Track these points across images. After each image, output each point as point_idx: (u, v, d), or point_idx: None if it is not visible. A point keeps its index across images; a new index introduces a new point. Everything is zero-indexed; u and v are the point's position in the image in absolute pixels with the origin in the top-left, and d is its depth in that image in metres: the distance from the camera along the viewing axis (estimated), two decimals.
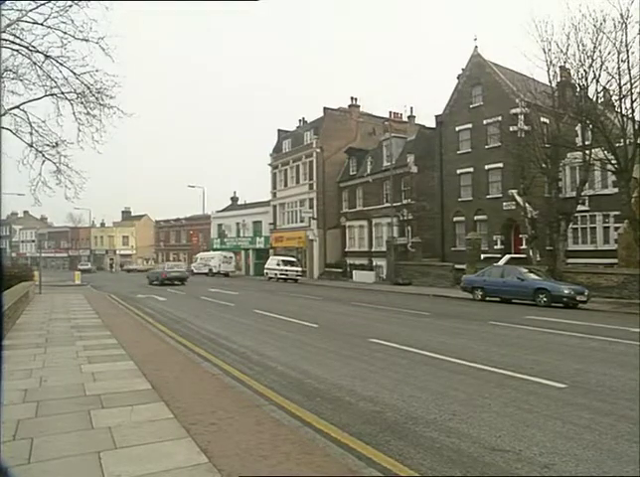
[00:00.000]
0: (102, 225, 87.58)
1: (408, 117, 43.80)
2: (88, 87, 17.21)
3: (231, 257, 51.62)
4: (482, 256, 28.56)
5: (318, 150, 44.04)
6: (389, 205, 35.95)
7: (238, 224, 55.81)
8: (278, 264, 40.94)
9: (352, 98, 47.44)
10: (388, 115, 43.48)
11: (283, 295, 25.72)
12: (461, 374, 7.68)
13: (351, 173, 42.87)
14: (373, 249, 38.89)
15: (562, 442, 4.77)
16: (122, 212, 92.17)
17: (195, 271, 51.89)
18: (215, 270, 49.73)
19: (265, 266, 43.09)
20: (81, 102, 17.49)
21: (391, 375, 7.68)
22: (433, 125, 35.67)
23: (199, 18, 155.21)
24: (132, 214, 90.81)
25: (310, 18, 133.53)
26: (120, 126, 68.89)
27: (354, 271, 38.72)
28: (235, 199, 64.37)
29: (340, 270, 40.68)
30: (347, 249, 42.03)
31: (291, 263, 41.04)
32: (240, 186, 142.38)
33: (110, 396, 5.90)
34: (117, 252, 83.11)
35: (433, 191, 34.40)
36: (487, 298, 21.44)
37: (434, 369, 8.05)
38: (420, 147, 36.39)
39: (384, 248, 36.13)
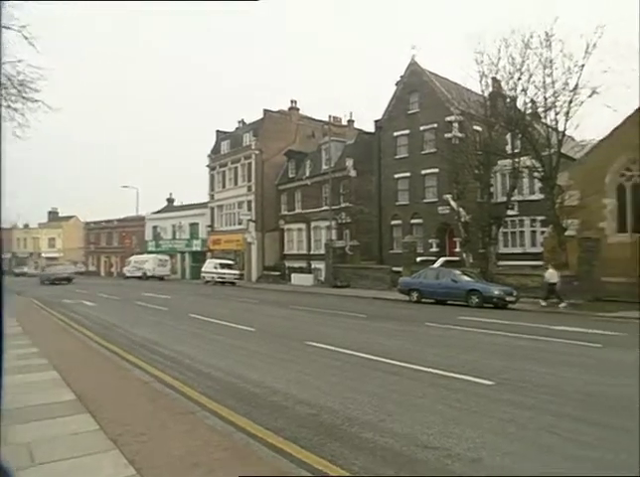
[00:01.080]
0: (26, 226, 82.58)
1: (348, 121, 44.38)
2: (9, 79, 16.10)
3: (166, 260, 50.07)
4: (418, 259, 29.25)
5: (257, 152, 43.69)
6: (327, 208, 36.15)
7: (174, 226, 54.30)
8: (216, 267, 40.16)
9: (292, 101, 47.46)
10: (327, 119, 43.81)
11: (220, 299, 25.22)
12: (396, 374, 7.76)
13: (290, 176, 42.81)
14: (311, 252, 38.96)
15: (490, 437, 4.91)
16: (49, 212, 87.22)
17: (127, 275, 49.90)
18: (149, 274, 48.01)
19: (202, 270, 42.17)
20: (0, 94, 16.32)
21: (327, 377, 7.64)
22: (372, 130, 36.28)
23: (115, 10, 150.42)
24: (60, 215, 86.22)
25: (254, 21, 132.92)
26: (46, 122, 65.27)
27: (292, 274, 38.61)
28: (171, 200, 62.60)
29: (278, 273, 40.46)
30: (285, 252, 41.89)
31: (229, 266, 40.39)
32: (177, 187, 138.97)
33: (30, 409, 5.48)
34: (42, 255, 78.57)
35: (372, 195, 34.95)
36: (423, 300, 21.94)
37: (370, 370, 8.09)
38: (359, 151, 36.87)
39: (322, 251, 36.28)
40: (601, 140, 24.45)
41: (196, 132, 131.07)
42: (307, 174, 40.66)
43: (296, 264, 39.66)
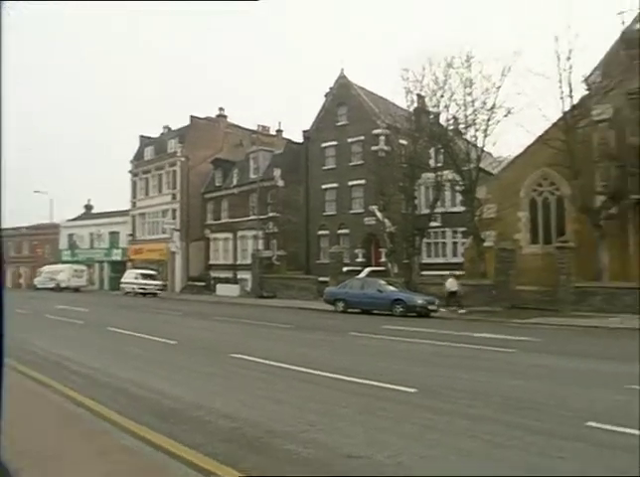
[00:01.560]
0: None
1: (277, 131, 44.35)
2: None
3: (82, 271, 47.25)
4: (345, 269, 29.56)
5: (183, 159, 42.61)
6: (255, 217, 35.84)
7: (92, 234, 51.54)
8: (137, 278, 38.44)
9: (220, 108, 46.77)
10: (256, 128, 43.57)
11: (140, 311, 24.13)
12: (321, 385, 7.66)
13: (217, 184, 42.05)
14: (238, 262, 38.38)
15: (411, 443, 4.92)
16: None
17: (38, 286, 46.64)
18: (63, 285, 45.03)
19: (122, 280, 40.24)
20: None
21: (252, 390, 7.41)
22: (301, 140, 36.46)
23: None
24: None
25: (175, 23, 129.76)
26: None
27: (218, 285, 37.77)
28: (89, 207, 59.20)
29: (203, 284, 39.45)
30: (211, 262, 40.99)
31: (151, 277, 38.78)
32: (96, 193, 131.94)
33: None
34: None
35: (299, 205, 35.03)
36: (349, 310, 22.08)
37: (295, 381, 7.94)
38: (287, 161, 36.91)
39: (249, 261, 35.81)
40: (516, 157, 26.13)
41: (117, 136, 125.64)
42: (234, 183, 40.14)
43: (222, 275, 38.86)
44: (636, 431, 4.90)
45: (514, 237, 24.82)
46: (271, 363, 9.42)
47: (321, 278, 30.32)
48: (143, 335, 13.87)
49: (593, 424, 5.27)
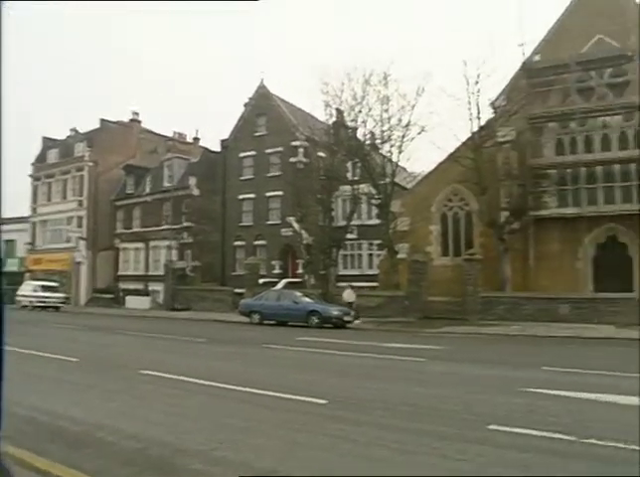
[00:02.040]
0: None
1: (194, 139, 43.37)
2: None
3: None
4: (261, 281, 29.34)
5: (91, 164, 40.43)
6: (168, 227, 34.69)
7: None
8: (35, 290, 35.54)
9: (133, 113, 44.94)
10: (172, 134, 42.33)
11: (39, 326, 22.34)
12: (234, 399, 7.45)
13: (128, 191, 40.29)
14: (149, 273, 36.87)
15: (322, 454, 4.90)
16: None
17: None
18: None
19: (18, 293, 37.12)
20: None
21: (162, 407, 7.03)
22: (219, 149, 35.90)
23: None
24: None
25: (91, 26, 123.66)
26: None
27: (127, 297, 35.98)
28: None
29: (111, 296, 37.45)
30: (120, 273, 39.08)
31: (52, 289, 36.02)
32: None
33: None
34: None
35: (215, 215, 34.37)
36: (264, 322, 21.89)
37: (208, 397, 7.66)
38: (204, 170, 36.20)
39: (161, 272, 34.48)
40: (429, 173, 27.43)
41: (17, 136, 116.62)
42: (147, 191, 38.69)
43: (132, 286, 37.11)
44: (532, 431, 5.28)
45: (426, 249, 25.91)
46: (183, 379, 9.02)
47: (237, 290, 29.86)
48: (41, 353, 12.80)
49: (494, 427, 5.54)
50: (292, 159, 31.28)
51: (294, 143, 31.50)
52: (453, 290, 22.77)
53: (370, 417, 6.28)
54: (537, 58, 24.35)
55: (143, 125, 45.18)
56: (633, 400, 6.69)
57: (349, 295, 22.43)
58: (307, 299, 21.93)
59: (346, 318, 20.53)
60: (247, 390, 7.97)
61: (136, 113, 44.88)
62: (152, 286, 35.89)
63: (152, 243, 36.81)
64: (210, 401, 7.37)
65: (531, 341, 16.18)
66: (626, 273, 22.07)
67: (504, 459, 4.64)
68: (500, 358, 12.56)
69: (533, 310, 20.74)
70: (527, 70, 24.03)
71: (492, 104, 24.26)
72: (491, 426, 5.59)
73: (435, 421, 6.02)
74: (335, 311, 20.70)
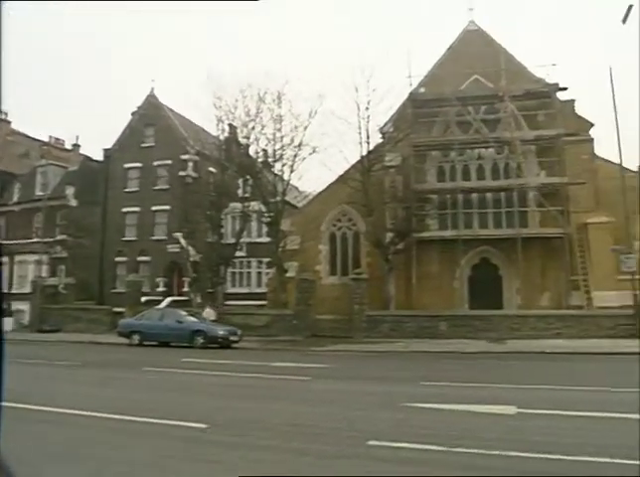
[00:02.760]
0: None
1: (73, 145, 40.18)
2: None
3: None
4: (144, 299, 27.58)
5: None
6: (39, 240, 31.56)
7: None
8: None
9: (2, 112, 40.62)
10: (47, 139, 38.92)
11: None
12: (108, 429, 6.63)
13: None
14: (13, 291, 33.03)
15: None
16: None
17: None
18: None
19: None
20: None
21: (19, 442, 5.96)
22: (101, 158, 33.64)
23: None
24: None
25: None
26: None
27: None
28: None
29: None
30: None
31: None
32: None
33: None
34: None
35: (95, 228, 31.98)
36: (145, 343, 20.46)
37: (77, 428, 6.70)
38: (83, 179, 33.64)
39: (28, 290, 31.08)
40: (319, 193, 27.80)
41: None
42: (15, 199, 35.03)
43: None
44: (408, 444, 5.35)
45: (315, 268, 26.11)
46: (50, 409, 7.86)
47: (117, 309, 27.71)
48: None
49: (373, 443, 5.53)
50: (181, 173, 30.16)
51: (184, 156, 30.45)
52: (341, 309, 23.08)
53: (249, 440, 5.98)
54: (422, 90, 26.00)
55: (13, 126, 40.92)
56: (508, 410, 7.03)
57: (209, 313, 22.12)
58: (192, 318, 20.90)
59: (232, 338, 19.83)
60: (124, 417, 7.16)
61: (5, 113, 40.50)
62: (16, 305, 32.17)
63: (18, 258, 33.06)
64: (80, 433, 6.44)
65: (412, 357, 16.72)
66: (497, 292, 24.04)
67: (380, 473, 4.65)
68: (383, 374, 12.76)
69: (415, 327, 21.58)
70: (413, 100, 25.53)
71: (380, 130, 25.34)
72: (370, 442, 5.55)
73: (317, 440, 5.84)
74: (221, 331, 19.90)
